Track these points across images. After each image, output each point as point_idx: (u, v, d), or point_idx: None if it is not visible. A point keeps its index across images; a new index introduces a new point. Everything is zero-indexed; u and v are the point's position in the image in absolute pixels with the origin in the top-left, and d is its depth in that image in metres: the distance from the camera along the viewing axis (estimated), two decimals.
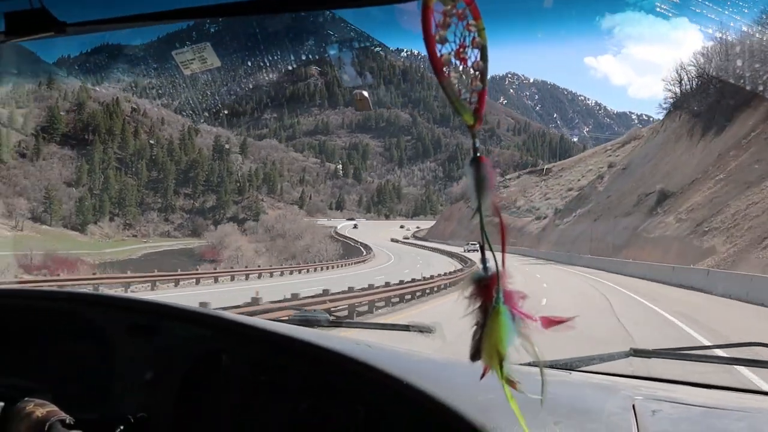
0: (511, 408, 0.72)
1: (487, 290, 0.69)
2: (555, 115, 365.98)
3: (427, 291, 21.85)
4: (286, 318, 2.25)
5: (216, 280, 31.18)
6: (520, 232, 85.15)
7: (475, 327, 0.70)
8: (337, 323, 2.40)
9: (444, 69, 0.66)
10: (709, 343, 6.99)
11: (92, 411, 1.37)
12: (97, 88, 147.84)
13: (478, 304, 0.69)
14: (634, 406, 1.27)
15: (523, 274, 31.85)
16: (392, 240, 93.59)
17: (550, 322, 0.71)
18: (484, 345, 0.69)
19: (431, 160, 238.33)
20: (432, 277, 25.03)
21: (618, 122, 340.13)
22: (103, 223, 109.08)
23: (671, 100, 74.51)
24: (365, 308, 16.56)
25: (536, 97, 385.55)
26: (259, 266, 47.45)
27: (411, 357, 1.55)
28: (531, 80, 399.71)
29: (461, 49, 0.67)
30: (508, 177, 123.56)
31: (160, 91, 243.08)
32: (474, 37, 0.68)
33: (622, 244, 52.25)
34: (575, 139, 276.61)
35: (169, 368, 1.41)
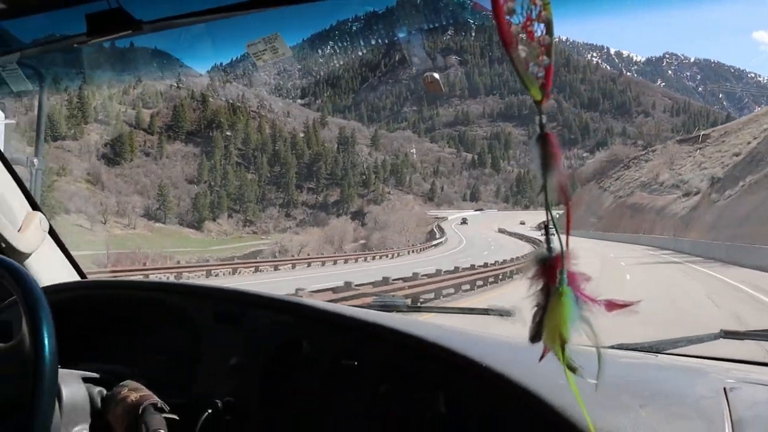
0: (596, 392, 0.73)
1: (550, 271, 0.67)
2: (720, 96, 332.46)
3: (500, 277, 21.76)
4: (366, 304, 2.20)
5: (276, 268, 32.50)
6: (659, 215, 66.81)
7: (535, 308, 0.69)
8: (416, 308, 2.44)
9: (512, 41, 0.65)
10: None
11: (182, 395, 1.43)
12: (225, 85, 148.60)
13: (540, 286, 0.68)
14: (725, 390, 1.21)
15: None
16: (499, 230, 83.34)
17: (613, 306, 0.70)
18: (546, 327, 0.68)
19: (578, 147, 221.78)
20: (504, 261, 25.38)
21: None
22: (222, 219, 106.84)
23: None
24: (431, 296, 16.18)
25: (698, 77, 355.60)
26: (322, 254, 47.46)
27: (490, 340, 1.55)
28: (692, 60, 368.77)
29: (528, 23, 0.66)
30: (651, 149, 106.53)
31: (299, 90, 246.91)
32: (540, 11, 0.66)
33: None
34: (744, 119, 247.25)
35: (253, 354, 1.45)
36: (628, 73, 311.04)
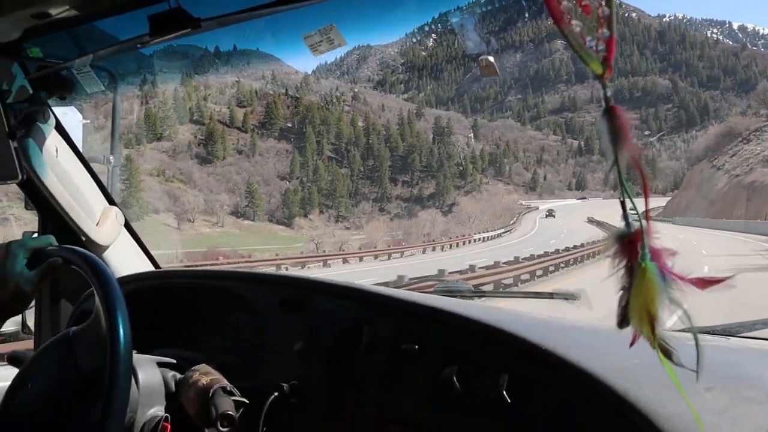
0: (661, 373, 0.69)
1: (631, 247, 0.64)
2: None
3: (570, 262, 22.91)
4: (430, 289, 2.17)
5: (345, 261, 34.21)
6: None
7: (621, 292, 0.66)
8: (480, 293, 2.40)
9: (565, 16, 0.63)
10: None
11: (250, 379, 1.50)
12: (319, 81, 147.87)
13: (622, 264, 0.65)
14: None
15: None
16: (588, 220, 74.97)
17: (705, 283, 0.65)
18: (632, 307, 0.65)
19: (697, 129, 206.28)
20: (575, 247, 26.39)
21: None
22: (313, 215, 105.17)
23: None
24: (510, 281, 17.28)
25: None
26: (375, 247, 47.90)
27: (554, 324, 1.54)
28: None
29: None
30: None
31: (402, 85, 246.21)
32: None
33: None
34: None
35: (316, 339, 1.49)
36: (753, 48, 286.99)
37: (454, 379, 1.23)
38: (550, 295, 2.02)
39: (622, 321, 0.66)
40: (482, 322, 1.30)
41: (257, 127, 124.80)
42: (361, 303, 1.53)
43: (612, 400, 1.00)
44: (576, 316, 1.59)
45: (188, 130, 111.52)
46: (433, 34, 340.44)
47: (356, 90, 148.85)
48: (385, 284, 11.52)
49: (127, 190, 70.34)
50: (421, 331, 1.36)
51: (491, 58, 1.59)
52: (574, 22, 0.63)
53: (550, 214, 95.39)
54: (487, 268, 18.89)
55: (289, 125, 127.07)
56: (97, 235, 1.96)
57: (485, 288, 14.03)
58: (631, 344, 0.67)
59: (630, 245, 0.64)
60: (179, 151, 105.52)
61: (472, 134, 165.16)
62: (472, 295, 2.13)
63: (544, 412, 1.13)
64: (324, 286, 1.61)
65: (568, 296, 1.91)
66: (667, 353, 0.66)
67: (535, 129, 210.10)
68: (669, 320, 0.64)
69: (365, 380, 1.38)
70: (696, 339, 0.66)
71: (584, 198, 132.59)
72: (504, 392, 1.16)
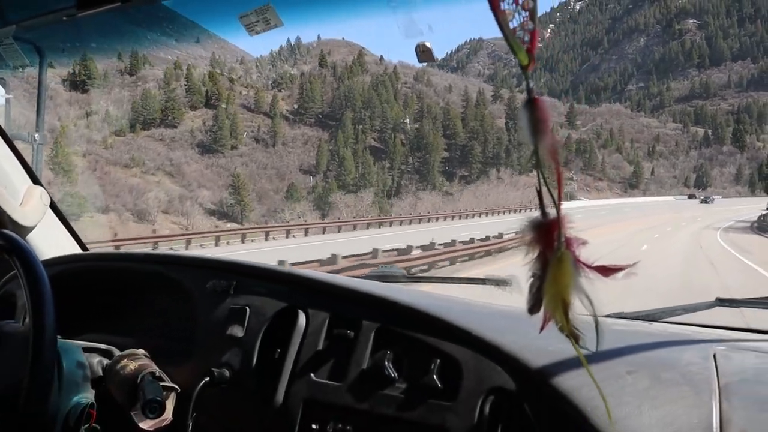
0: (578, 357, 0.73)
1: (547, 236, 0.65)
2: None
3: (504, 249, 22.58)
4: (364, 274, 2.17)
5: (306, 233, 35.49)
6: None
7: (532, 279, 0.68)
8: (413, 278, 2.42)
9: (500, 5, 0.64)
10: None
11: (180, 365, 1.48)
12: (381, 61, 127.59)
13: (536, 253, 0.67)
14: (714, 356, 1.23)
15: None
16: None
17: (607, 271, 0.67)
18: (546, 294, 0.67)
19: None
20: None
21: None
22: (332, 218, 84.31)
23: None
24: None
25: None
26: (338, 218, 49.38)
27: (486, 309, 1.57)
28: None
29: None
30: None
31: (514, 79, 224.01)
32: None
33: None
34: None
35: (249, 324, 1.48)
36: None
37: (387, 363, 1.25)
38: (483, 281, 2.01)
39: (533, 307, 0.69)
40: (415, 307, 1.32)
41: (289, 112, 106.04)
42: (294, 287, 1.51)
43: (539, 384, 1.05)
44: (507, 302, 1.57)
45: (200, 116, 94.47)
46: (550, 24, 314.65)
47: (423, 69, 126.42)
48: (319, 261, 14.60)
49: (67, 184, 54.11)
50: (354, 317, 1.38)
51: (428, 44, 1.47)
52: (508, 11, 0.64)
53: None
54: (423, 248, 18.72)
55: (330, 110, 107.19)
56: (21, 215, 1.84)
57: (420, 268, 15.72)
58: (541, 329, 0.71)
59: (547, 235, 0.65)
60: (178, 139, 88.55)
61: (566, 121, 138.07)
62: (406, 280, 2.13)
63: (474, 395, 1.15)
64: (257, 271, 1.59)
65: (500, 282, 1.90)
66: (576, 338, 0.69)
67: (649, 115, 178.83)
68: (578, 306, 0.67)
69: (298, 365, 1.38)
70: (596, 323, 0.69)
71: (693, 196, 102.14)
72: (435, 376, 1.20)
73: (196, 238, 30.07)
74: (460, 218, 51.67)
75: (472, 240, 22.30)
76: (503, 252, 21.24)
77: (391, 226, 41.86)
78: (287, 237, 33.57)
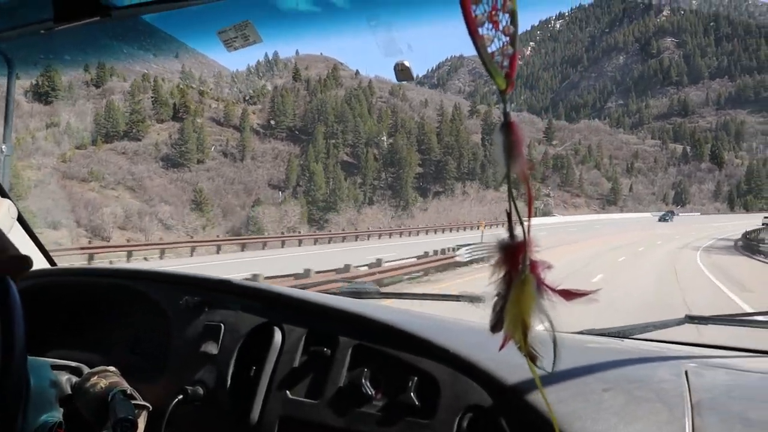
0: (553, 375, 0.75)
1: (513, 258, 0.67)
2: None
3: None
4: (337, 290, 2.27)
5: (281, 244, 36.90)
6: None
7: (496, 298, 0.69)
8: (387, 295, 2.42)
9: (478, 30, 0.64)
10: None
11: (153, 382, 1.46)
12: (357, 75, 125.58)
13: (502, 274, 0.68)
14: (686, 373, 1.24)
15: None
16: None
17: (570, 295, 0.69)
18: (508, 315, 0.68)
19: None
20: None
21: None
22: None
23: None
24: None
25: None
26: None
27: (459, 326, 1.57)
28: None
29: (494, 12, 0.65)
30: None
31: (494, 96, 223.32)
32: (505, 1, 0.66)
33: None
34: None
35: (223, 341, 1.46)
36: None
37: (364, 381, 1.25)
38: (457, 298, 2.03)
39: (495, 325, 0.71)
40: (392, 325, 1.32)
41: (260, 126, 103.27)
42: (269, 304, 1.49)
43: (513, 400, 1.08)
44: (480, 318, 1.50)
45: (166, 129, 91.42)
46: (531, 42, 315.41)
47: (399, 84, 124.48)
48: (294, 275, 14.44)
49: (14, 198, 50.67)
50: (329, 334, 1.37)
51: (407, 63, 1.51)
52: (486, 36, 0.64)
53: None
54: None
55: (302, 124, 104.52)
56: None
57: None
58: (501, 347, 0.73)
59: (512, 257, 0.67)
60: (141, 153, 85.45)
61: (543, 137, 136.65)
62: (380, 297, 2.13)
63: (451, 413, 1.16)
64: (230, 287, 1.56)
65: (473, 299, 1.92)
66: (533, 358, 0.71)
67: (627, 132, 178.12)
68: (541, 326, 0.68)
69: (273, 382, 1.36)
70: (555, 343, 0.70)
71: (671, 212, 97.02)
72: (412, 394, 1.20)
73: (170, 248, 30.45)
74: (410, 234, 51.64)
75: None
76: (440, 272, 20.11)
77: (329, 242, 41.83)
78: (242, 251, 34.10)
